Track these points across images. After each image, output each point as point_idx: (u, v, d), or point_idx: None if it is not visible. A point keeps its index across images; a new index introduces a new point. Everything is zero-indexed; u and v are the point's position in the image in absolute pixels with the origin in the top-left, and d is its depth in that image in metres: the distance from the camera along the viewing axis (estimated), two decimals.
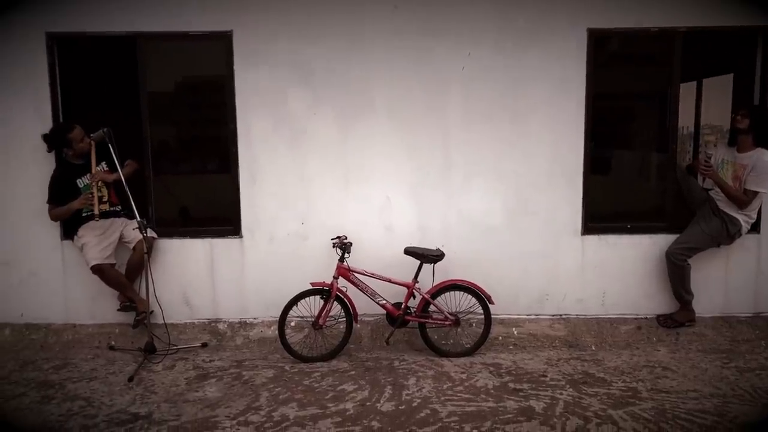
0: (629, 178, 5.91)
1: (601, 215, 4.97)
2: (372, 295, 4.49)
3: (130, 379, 4.09)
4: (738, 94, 5.41)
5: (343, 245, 4.45)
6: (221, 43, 4.73)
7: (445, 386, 3.96)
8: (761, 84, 4.76)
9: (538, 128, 4.79)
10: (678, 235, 4.74)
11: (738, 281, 4.89)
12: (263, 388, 3.98)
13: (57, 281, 4.90)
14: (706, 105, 6.71)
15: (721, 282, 4.88)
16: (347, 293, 4.47)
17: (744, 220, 4.60)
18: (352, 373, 4.20)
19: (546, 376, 4.12)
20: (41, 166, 4.71)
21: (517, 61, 4.72)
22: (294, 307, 4.42)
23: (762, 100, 4.75)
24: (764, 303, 4.90)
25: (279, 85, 4.76)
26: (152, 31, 4.71)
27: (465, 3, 4.67)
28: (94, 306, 4.89)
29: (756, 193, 4.48)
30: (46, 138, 4.61)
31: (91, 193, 4.52)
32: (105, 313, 4.88)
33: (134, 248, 4.63)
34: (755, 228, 4.79)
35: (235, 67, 4.74)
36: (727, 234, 4.62)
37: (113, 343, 4.74)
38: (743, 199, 4.50)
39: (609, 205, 5.30)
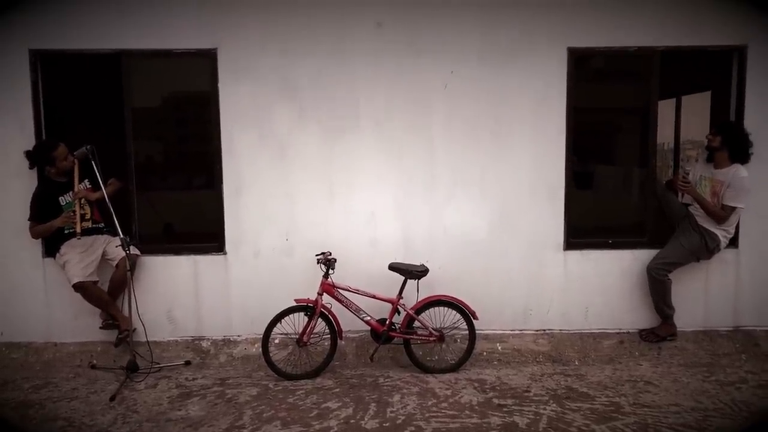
0: (610, 193, 5.98)
1: (583, 230, 5.03)
2: (356, 311, 4.50)
3: (112, 399, 4.05)
4: (715, 111, 5.53)
5: (327, 261, 4.46)
6: (206, 60, 4.75)
7: (429, 403, 3.96)
8: (737, 101, 4.87)
9: (520, 144, 4.86)
10: (658, 250, 4.80)
11: (717, 295, 4.96)
12: (247, 406, 3.95)
13: (38, 299, 4.85)
14: (689, 121, 6.83)
15: (701, 296, 4.95)
16: (332, 310, 4.47)
17: (722, 235, 4.68)
18: (337, 390, 4.19)
19: (530, 392, 4.14)
20: (24, 183, 4.68)
21: (499, 78, 4.79)
22: (278, 324, 4.40)
23: (737, 117, 4.85)
24: (743, 317, 4.97)
25: (264, 100, 4.78)
26: (137, 49, 4.72)
27: (448, 22, 4.74)
28: (76, 324, 4.84)
29: (734, 208, 4.56)
30: (28, 155, 4.58)
31: (73, 211, 4.49)
32: (87, 331, 4.83)
33: (117, 265, 4.59)
34: (733, 242, 4.87)
35: (219, 84, 4.76)
36: (706, 249, 4.69)
37: (95, 361, 4.69)
38: (721, 214, 4.58)
39: (591, 220, 5.36)
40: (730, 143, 4.57)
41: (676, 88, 6.66)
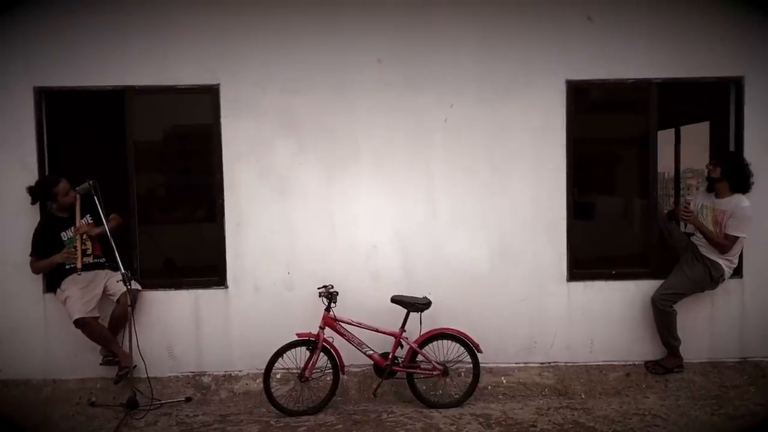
0: (613, 224, 5.98)
1: (586, 261, 5.01)
2: (359, 345, 4.45)
3: None
4: (715, 141, 5.55)
5: (329, 294, 4.43)
6: (208, 96, 4.81)
7: None
8: (735, 131, 4.90)
9: (520, 176, 4.87)
10: (662, 281, 4.77)
11: (723, 326, 4.91)
12: None
13: (38, 335, 4.79)
14: (689, 149, 6.87)
15: (707, 327, 4.90)
16: (333, 344, 4.42)
17: (726, 264, 4.65)
18: (339, 426, 4.12)
19: (536, 427, 4.07)
20: (26, 219, 4.68)
21: (498, 111, 4.83)
22: (280, 359, 4.35)
23: (737, 146, 4.87)
24: (750, 348, 4.91)
25: (265, 135, 4.82)
26: (140, 85, 4.77)
27: (447, 57, 4.81)
28: (76, 360, 4.77)
29: (736, 238, 4.55)
30: (31, 191, 4.59)
31: (74, 247, 4.48)
32: (86, 368, 4.77)
33: (118, 301, 4.55)
34: (738, 272, 4.84)
35: (222, 119, 4.81)
36: (710, 279, 4.66)
37: (94, 398, 4.62)
38: (724, 243, 4.56)
39: (593, 251, 5.35)
40: (730, 174, 4.58)
41: (675, 119, 6.71)
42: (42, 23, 4.71)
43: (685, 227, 4.88)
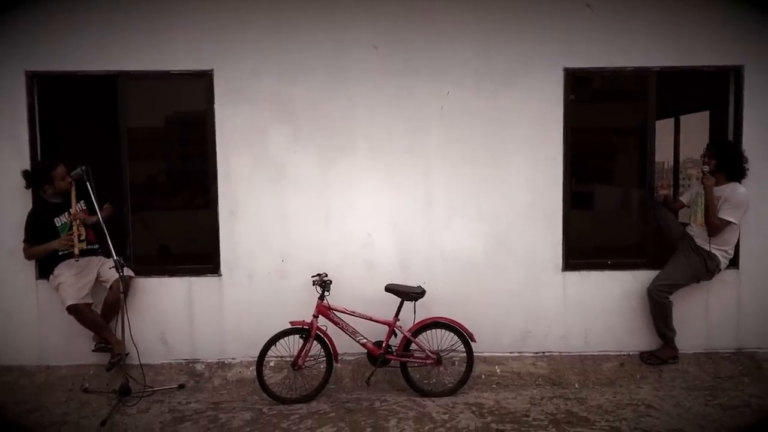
0: (610, 214, 5.93)
1: (581, 251, 4.98)
2: (352, 333, 4.43)
3: (103, 424, 3.98)
4: (714, 131, 5.50)
5: (323, 283, 4.41)
6: (202, 81, 4.76)
7: (426, 428, 3.88)
8: (735, 121, 4.85)
9: (518, 165, 4.83)
10: (659, 272, 4.75)
11: (719, 317, 4.89)
12: (240, 431, 3.87)
13: (31, 322, 4.79)
14: (689, 139, 6.82)
15: (703, 318, 4.89)
16: (327, 332, 4.41)
17: (722, 255, 4.63)
18: (332, 415, 4.11)
19: (529, 416, 4.06)
20: (17, 205, 4.65)
21: (495, 100, 4.79)
22: (273, 347, 4.34)
23: (735, 136, 4.83)
24: (746, 339, 4.89)
25: (260, 122, 4.78)
26: (134, 70, 4.73)
27: (444, 44, 4.75)
28: (69, 347, 4.77)
29: (728, 222, 4.51)
30: (27, 174, 4.56)
31: (72, 234, 4.45)
32: (79, 354, 4.77)
33: (111, 287, 4.54)
34: (734, 264, 4.82)
35: (215, 105, 4.77)
36: (706, 270, 4.63)
37: (87, 385, 4.60)
38: (717, 223, 4.51)
39: (589, 241, 5.31)
40: (726, 165, 4.57)
41: (674, 108, 6.65)
42: (34, 6, 4.65)
43: (697, 216, 4.76)
